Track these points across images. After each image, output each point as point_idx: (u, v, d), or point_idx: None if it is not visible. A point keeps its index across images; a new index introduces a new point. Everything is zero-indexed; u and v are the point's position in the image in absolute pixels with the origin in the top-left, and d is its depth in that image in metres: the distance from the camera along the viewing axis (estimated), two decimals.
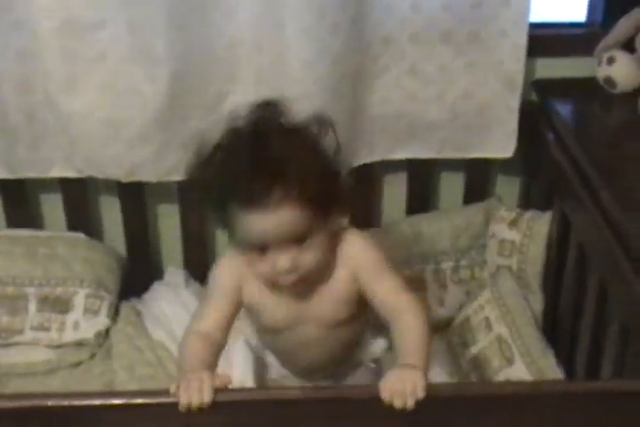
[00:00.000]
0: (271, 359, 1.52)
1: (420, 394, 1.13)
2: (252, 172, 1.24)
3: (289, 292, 1.35)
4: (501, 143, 1.84)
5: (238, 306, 1.38)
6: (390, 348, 1.44)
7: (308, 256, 1.29)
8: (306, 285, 1.34)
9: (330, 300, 1.37)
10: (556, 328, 1.78)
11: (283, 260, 1.28)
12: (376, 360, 1.51)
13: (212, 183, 1.28)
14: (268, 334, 1.44)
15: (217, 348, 1.32)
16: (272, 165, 1.24)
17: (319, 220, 1.29)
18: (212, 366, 1.26)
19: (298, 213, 1.26)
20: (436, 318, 1.82)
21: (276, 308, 1.38)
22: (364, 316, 1.44)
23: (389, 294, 1.34)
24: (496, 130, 1.84)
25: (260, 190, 1.23)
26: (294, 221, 1.26)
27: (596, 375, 1.57)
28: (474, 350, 1.76)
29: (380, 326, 1.43)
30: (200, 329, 1.33)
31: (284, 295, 1.36)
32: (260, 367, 1.53)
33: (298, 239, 1.28)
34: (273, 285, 1.34)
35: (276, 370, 1.52)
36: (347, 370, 1.49)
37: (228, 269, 1.39)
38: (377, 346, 1.50)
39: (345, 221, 1.43)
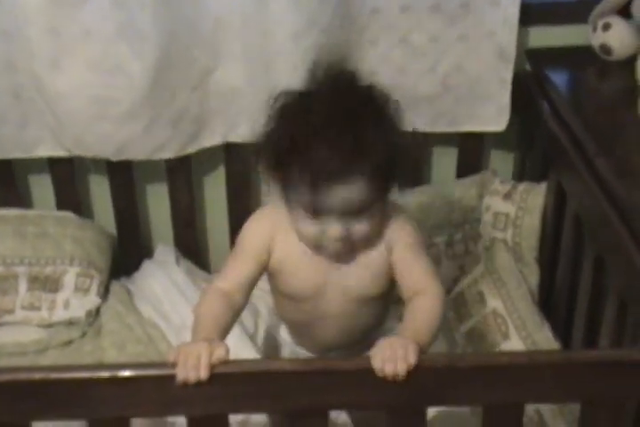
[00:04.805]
0: (285, 336, 1.48)
1: (412, 359, 1.11)
2: (330, 145, 1.19)
3: (328, 257, 1.32)
4: (494, 117, 1.82)
5: (263, 268, 1.34)
6: None
7: (362, 227, 1.27)
8: (350, 254, 1.31)
9: (362, 270, 1.34)
10: (551, 302, 1.77)
11: (336, 229, 1.25)
12: None
13: (281, 144, 1.22)
14: (290, 302, 1.39)
15: (235, 310, 1.28)
16: (352, 142, 1.20)
17: (381, 194, 1.27)
18: (226, 329, 1.23)
19: (366, 189, 1.24)
20: None
21: (307, 271, 1.34)
22: (388, 300, 1.42)
23: (417, 275, 1.32)
24: (488, 103, 1.81)
25: (337, 165, 1.19)
26: (361, 196, 1.24)
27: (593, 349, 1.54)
28: (468, 324, 1.74)
29: (400, 314, 1.40)
30: (221, 288, 1.30)
31: (315, 259, 1.32)
32: (272, 347, 1.50)
33: (358, 211, 1.25)
34: (315, 247, 1.30)
35: (289, 349, 1.48)
36: (362, 351, 1.46)
37: (260, 225, 1.35)
38: (394, 332, 1.45)
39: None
